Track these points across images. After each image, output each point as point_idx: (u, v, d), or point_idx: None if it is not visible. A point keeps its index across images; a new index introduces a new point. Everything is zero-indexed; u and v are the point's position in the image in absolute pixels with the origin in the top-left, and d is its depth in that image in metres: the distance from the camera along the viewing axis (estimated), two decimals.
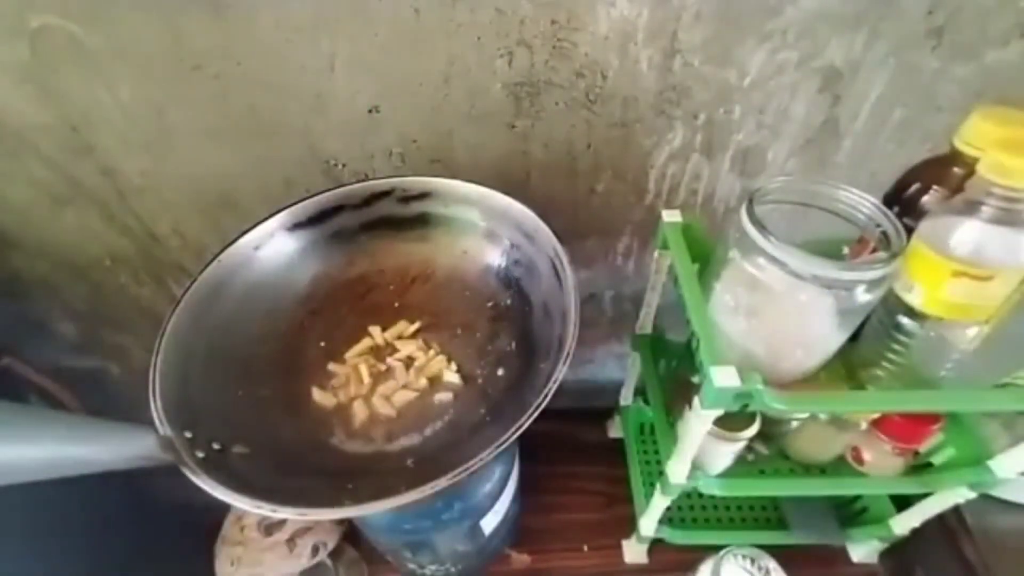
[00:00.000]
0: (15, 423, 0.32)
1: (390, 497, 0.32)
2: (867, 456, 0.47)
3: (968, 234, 0.32)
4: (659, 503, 0.51)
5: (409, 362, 0.45)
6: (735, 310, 0.39)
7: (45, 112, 0.48)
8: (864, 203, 0.35)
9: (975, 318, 0.34)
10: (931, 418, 0.43)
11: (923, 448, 0.46)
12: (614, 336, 0.74)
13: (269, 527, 0.55)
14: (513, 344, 0.44)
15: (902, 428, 0.44)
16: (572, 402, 0.53)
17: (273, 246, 0.47)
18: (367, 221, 0.49)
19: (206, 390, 0.40)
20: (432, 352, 0.45)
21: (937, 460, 0.46)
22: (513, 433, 0.33)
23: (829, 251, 0.36)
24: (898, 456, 0.45)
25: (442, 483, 0.31)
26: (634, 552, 0.62)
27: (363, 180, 0.49)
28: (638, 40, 0.46)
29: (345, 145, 0.53)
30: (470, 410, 0.42)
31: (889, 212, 0.34)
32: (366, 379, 0.44)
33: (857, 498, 0.58)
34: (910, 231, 0.34)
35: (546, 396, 0.34)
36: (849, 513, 0.58)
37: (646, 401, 0.67)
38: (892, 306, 0.36)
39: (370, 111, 0.50)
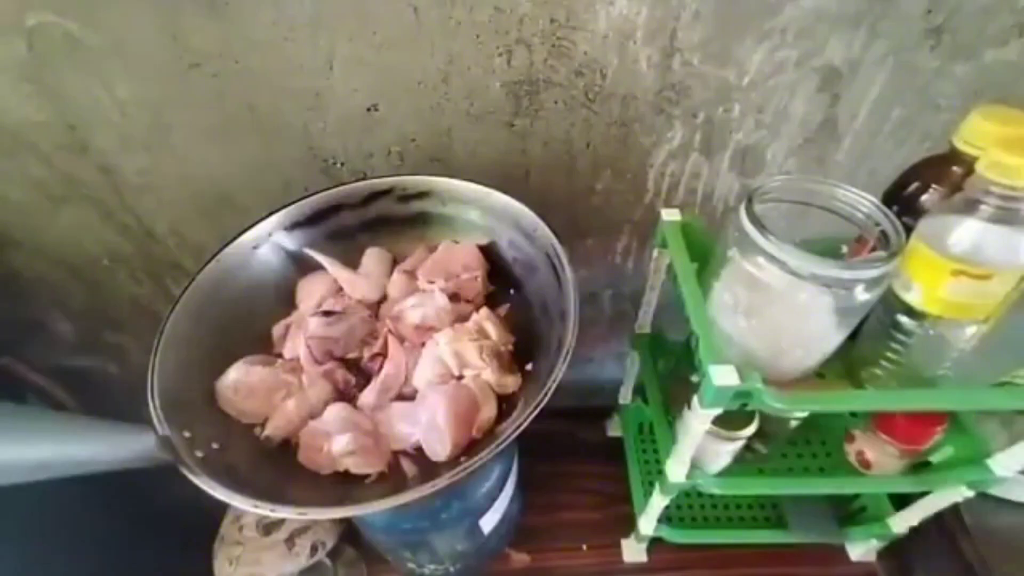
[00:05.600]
0: (15, 423, 0.32)
1: (389, 497, 0.32)
2: (872, 458, 0.47)
3: (967, 233, 0.32)
4: (658, 502, 0.51)
5: None
6: (734, 309, 0.39)
7: (42, 110, 0.48)
8: (863, 202, 0.35)
9: (974, 317, 0.34)
10: (936, 419, 0.43)
11: (925, 448, 0.46)
12: (613, 335, 0.74)
13: (267, 527, 0.55)
14: (511, 343, 0.44)
15: (907, 429, 0.44)
16: (571, 401, 0.53)
17: (272, 245, 0.47)
18: (366, 220, 0.49)
19: (205, 390, 0.40)
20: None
21: (936, 459, 0.46)
22: (512, 432, 0.33)
23: (828, 250, 0.36)
24: (902, 458, 0.45)
25: (441, 482, 0.31)
26: (633, 551, 0.62)
27: (362, 179, 0.49)
28: (637, 39, 0.46)
29: (344, 144, 0.53)
30: None
31: (888, 211, 0.34)
32: None
33: (856, 497, 0.58)
34: (909, 230, 0.34)
35: (545, 395, 0.34)
36: (848, 512, 0.58)
37: (645, 400, 0.67)
38: (891, 305, 0.36)
39: (369, 110, 0.50)
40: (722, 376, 0.34)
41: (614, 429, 0.74)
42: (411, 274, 0.47)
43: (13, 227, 0.57)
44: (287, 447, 0.40)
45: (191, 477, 0.32)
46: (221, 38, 0.45)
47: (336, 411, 0.40)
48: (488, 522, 0.50)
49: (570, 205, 0.58)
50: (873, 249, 0.36)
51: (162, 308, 0.41)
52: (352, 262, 0.48)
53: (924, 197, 0.38)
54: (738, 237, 0.36)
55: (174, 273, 0.63)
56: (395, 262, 0.49)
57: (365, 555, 0.61)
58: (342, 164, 0.54)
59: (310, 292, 0.47)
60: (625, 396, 0.69)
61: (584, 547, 0.64)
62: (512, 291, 0.48)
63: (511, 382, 0.41)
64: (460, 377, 0.41)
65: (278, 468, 0.38)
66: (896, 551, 0.59)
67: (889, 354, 0.38)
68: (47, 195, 0.54)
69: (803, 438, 0.53)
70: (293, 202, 0.47)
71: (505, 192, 0.46)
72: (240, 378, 0.40)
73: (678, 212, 0.46)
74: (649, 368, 0.57)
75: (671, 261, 0.44)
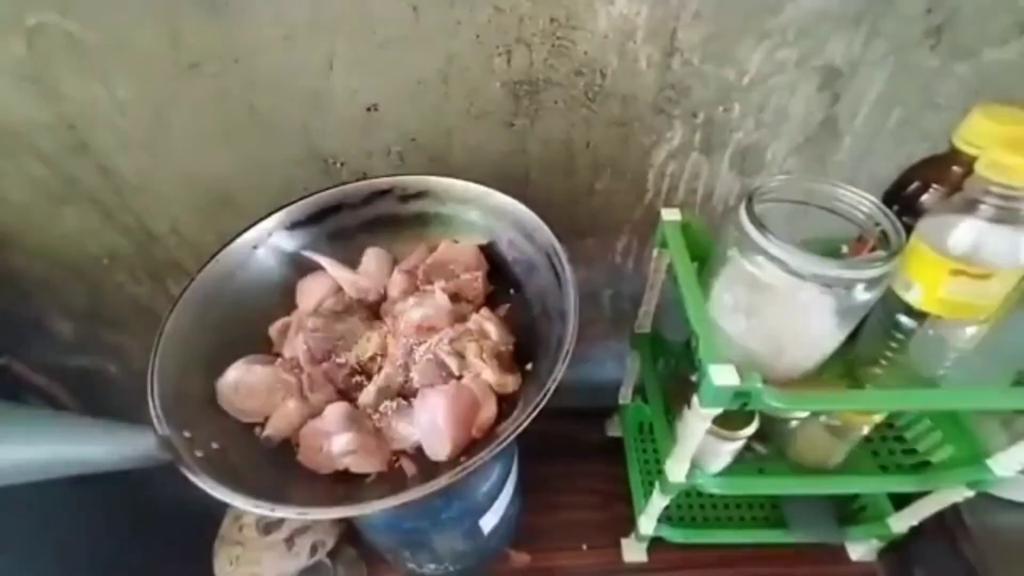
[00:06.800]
0: (15, 423, 0.32)
1: (389, 497, 0.32)
2: None
3: (967, 233, 0.32)
4: (658, 502, 0.51)
5: None
6: (734, 309, 0.39)
7: (42, 110, 0.48)
8: (863, 202, 0.35)
9: (974, 317, 0.34)
10: None
11: (922, 446, 0.46)
12: (613, 335, 0.74)
13: (267, 526, 0.55)
14: (512, 343, 0.44)
15: None
16: (571, 401, 0.53)
17: (272, 245, 0.47)
18: (366, 220, 0.49)
19: (205, 389, 0.40)
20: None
21: (936, 458, 0.46)
22: (512, 432, 0.33)
23: (828, 250, 0.36)
24: None
25: (442, 482, 0.31)
26: (633, 551, 0.62)
27: (362, 179, 0.49)
28: (637, 38, 0.46)
29: (344, 144, 0.53)
30: None
31: (888, 211, 0.34)
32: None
33: (856, 497, 0.58)
34: (909, 230, 0.34)
35: (545, 395, 0.34)
36: (848, 511, 0.58)
37: (645, 400, 0.67)
38: (891, 305, 0.36)
39: (369, 109, 0.50)
40: (722, 376, 0.34)
41: (614, 429, 0.74)
42: (411, 274, 0.47)
43: (13, 227, 0.57)
44: (287, 447, 0.40)
45: (191, 477, 0.32)
46: (221, 38, 0.45)
47: (336, 411, 0.40)
48: (488, 522, 0.50)
49: (570, 205, 0.58)
50: (873, 249, 0.36)
51: (162, 308, 0.41)
52: (352, 262, 0.48)
53: (924, 197, 0.38)
54: (738, 237, 0.36)
55: (174, 273, 0.63)
56: (395, 262, 0.49)
57: (365, 555, 0.61)
58: (342, 164, 0.54)
59: (310, 292, 0.47)
60: (625, 396, 0.69)
61: (584, 547, 0.64)
62: (512, 291, 0.48)
63: (511, 382, 0.41)
64: (460, 377, 0.41)
65: (278, 468, 0.38)
66: (896, 551, 0.59)
67: (889, 354, 0.38)
68: (47, 195, 0.54)
69: None
70: (293, 202, 0.47)
71: (505, 192, 0.46)
72: (240, 378, 0.40)
73: (678, 212, 0.46)
74: (649, 368, 0.57)
75: (671, 261, 0.44)
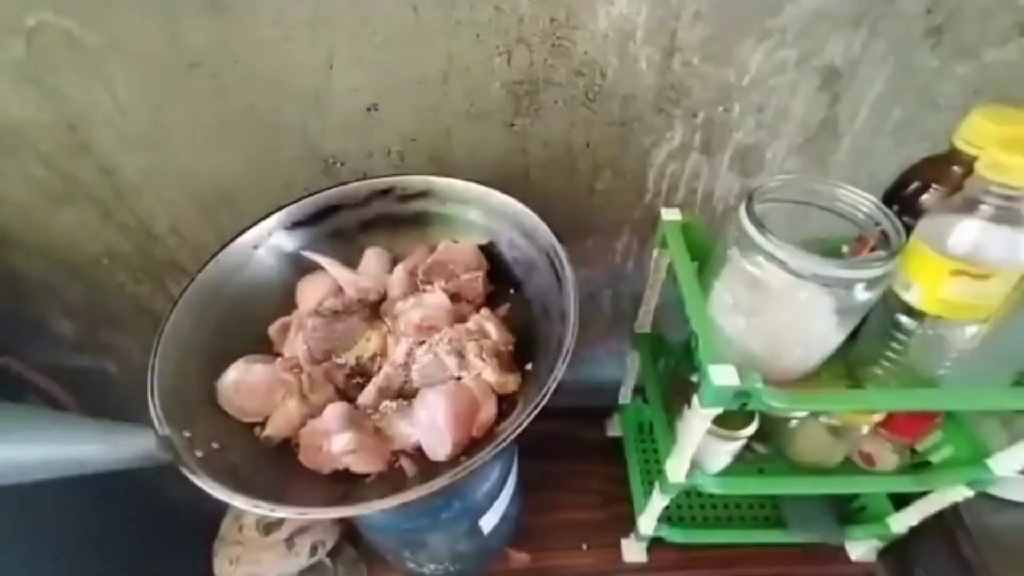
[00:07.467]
0: (14, 423, 0.32)
1: (389, 496, 0.32)
2: (873, 453, 0.47)
3: (967, 233, 0.32)
4: (658, 502, 0.51)
5: None
6: (734, 309, 0.39)
7: (42, 110, 0.48)
8: (863, 202, 0.35)
9: (974, 317, 0.34)
10: (931, 414, 0.43)
11: (922, 446, 0.46)
12: (613, 335, 0.74)
13: (267, 526, 0.55)
14: (512, 343, 0.44)
15: (905, 425, 0.44)
16: (571, 401, 0.53)
17: (272, 245, 0.47)
18: (366, 220, 0.49)
19: (205, 390, 0.40)
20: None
21: (936, 458, 0.46)
22: (512, 432, 0.33)
23: (828, 250, 0.36)
24: (897, 453, 0.45)
25: (441, 482, 0.32)
26: (633, 551, 0.62)
27: (362, 179, 0.49)
28: (637, 39, 0.46)
29: (344, 143, 0.53)
30: None
31: (888, 211, 0.34)
32: None
33: (855, 497, 0.58)
34: (909, 230, 0.34)
35: (545, 395, 0.34)
36: (848, 511, 0.59)
37: (645, 400, 0.67)
38: (891, 305, 0.36)
39: (369, 109, 0.50)
40: (722, 376, 0.34)
41: (614, 429, 0.74)
42: (411, 273, 0.47)
43: (13, 227, 0.57)
44: (287, 447, 0.40)
45: (191, 477, 0.32)
46: (221, 38, 0.45)
47: (336, 410, 0.40)
48: (488, 522, 0.50)
49: (570, 205, 0.58)
50: (873, 249, 0.36)
51: (162, 308, 0.41)
52: (352, 262, 0.48)
53: (924, 197, 0.38)
54: (738, 237, 0.36)
55: (174, 273, 0.63)
56: (395, 262, 0.49)
57: (365, 555, 0.61)
58: (342, 164, 0.54)
59: (310, 292, 0.47)
60: (625, 396, 0.69)
61: (584, 547, 0.64)
62: (512, 291, 0.48)
63: (511, 382, 0.41)
64: (460, 377, 0.41)
65: (278, 468, 0.38)
66: (896, 551, 0.59)
67: (889, 354, 0.38)
68: (47, 195, 0.54)
69: None
70: (293, 202, 0.47)
71: (505, 192, 0.46)
72: (240, 377, 0.40)
73: (678, 212, 0.46)
74: (649, 368, 0.57)
75: (671, 261, 0.44)
